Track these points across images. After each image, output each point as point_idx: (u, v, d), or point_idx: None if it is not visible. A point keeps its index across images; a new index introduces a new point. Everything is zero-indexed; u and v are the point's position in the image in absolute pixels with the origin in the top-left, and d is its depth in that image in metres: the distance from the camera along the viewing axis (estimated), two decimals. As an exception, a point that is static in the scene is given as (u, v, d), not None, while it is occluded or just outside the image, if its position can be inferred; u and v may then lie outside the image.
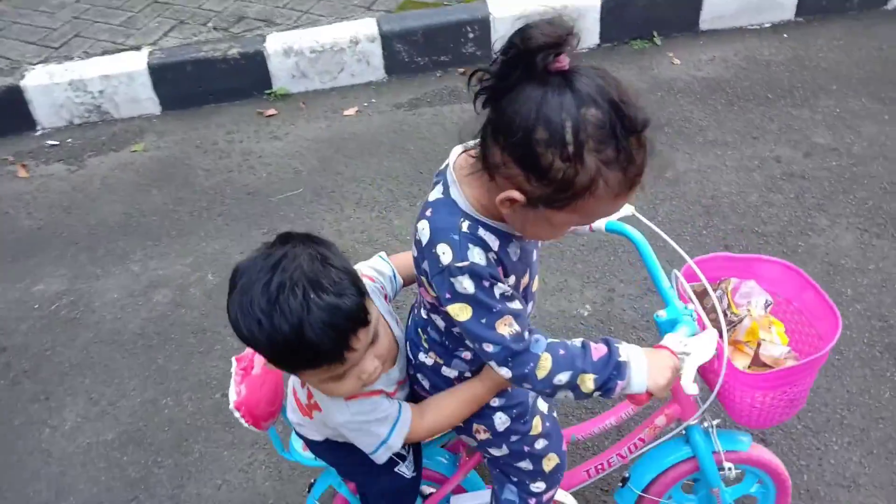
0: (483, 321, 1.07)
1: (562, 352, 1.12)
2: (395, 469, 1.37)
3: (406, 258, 1.41)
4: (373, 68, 3.75)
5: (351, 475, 1.45)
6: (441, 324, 1.25)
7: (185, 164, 3.33)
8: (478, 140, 1.15)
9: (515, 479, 1.42)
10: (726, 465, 1.57)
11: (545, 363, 1.10)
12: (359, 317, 1.07)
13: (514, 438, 1.37)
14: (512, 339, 1.08)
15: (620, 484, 1.67)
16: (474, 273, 1.05)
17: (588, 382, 1.12)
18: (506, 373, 1.11)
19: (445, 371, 1.31)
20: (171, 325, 2.51)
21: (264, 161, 3.33)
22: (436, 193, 1.12)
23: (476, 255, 1.05)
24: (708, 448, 1.57)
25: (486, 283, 1.06)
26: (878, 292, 2.45)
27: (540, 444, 1.39)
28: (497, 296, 1.07)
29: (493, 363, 1.11)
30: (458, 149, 1.16)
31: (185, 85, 3.61)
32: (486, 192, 1.07)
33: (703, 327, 1.41)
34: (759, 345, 1.51)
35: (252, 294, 1.02)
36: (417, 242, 1.12)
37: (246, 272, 1.06)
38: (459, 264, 1.04)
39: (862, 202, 2.80)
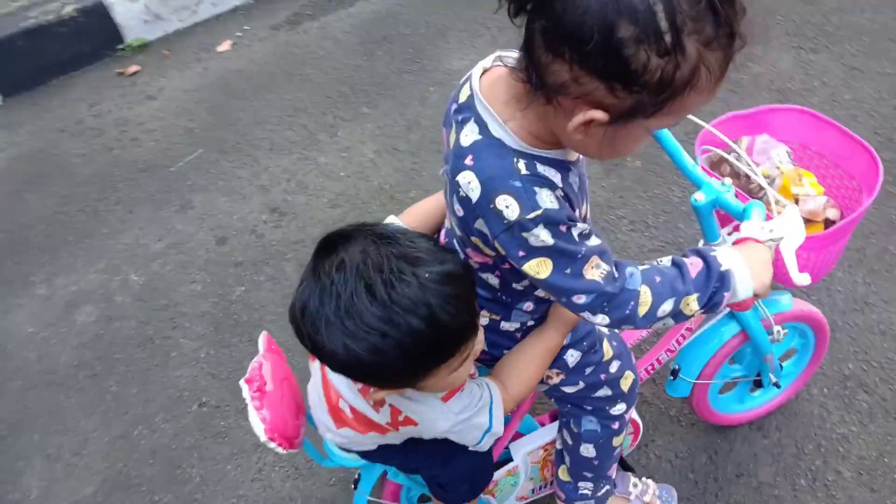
0: (568, 271, 0.91)
1: (658, 279, 0.96)
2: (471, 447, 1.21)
3: (413, 213, 1.26)
4: (235, -9, 3.28)
5: (419, 470, 1.27)
6: (494, 281, 1.10)
7: (54, 156, 2.83)
8: (505, 56, 0.94)
9: (591, 408, 1.32)
10: (775, 328, 1.52)
11: (645, 297, 0.95)
12: (470, 277, 0.93)
13: (588, 371, 1.26)
14: (605, 282, 0.93)
15: (671, 377, 1.57)
16: (549, 220, 0.87)
17: (692, 304, 0.97)
18: (602, 319, 0.96)
19: (505, 326, 1.18)
20: (111, 344, 2.17)
21: (146, 128, 2.88)
22: (470, 134, 0.91)
23: (546, 199, 0.87)
24: (755, 317, 1.50)
25: (564, 228, 0.89)
26: (831, 107, 2.41)
27: (614, 366, 1.28)
28: (577, 238, 0.91)
29: (586, 314, 0.95)
30: (477, 70, 0.95)
31: (22, 63, 3.03)
32: (539, 120, 0.88)
33: (745, 201, 1.28)
34: (796, 201, 1.39)
35: (357, 311, 0.84)
36: (463, 200, 0.92)
37: (326, 299, 0.85)
38: (531, 215, 0.86)
39: (787, 20, 2.71)
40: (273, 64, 3.05)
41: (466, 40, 2.96)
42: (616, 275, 0.94)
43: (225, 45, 3.17)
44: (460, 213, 0.95)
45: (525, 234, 0.88)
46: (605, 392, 1.29)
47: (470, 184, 0.89)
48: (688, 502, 1.65)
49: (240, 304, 2.22)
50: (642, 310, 0.95)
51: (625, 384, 1.30)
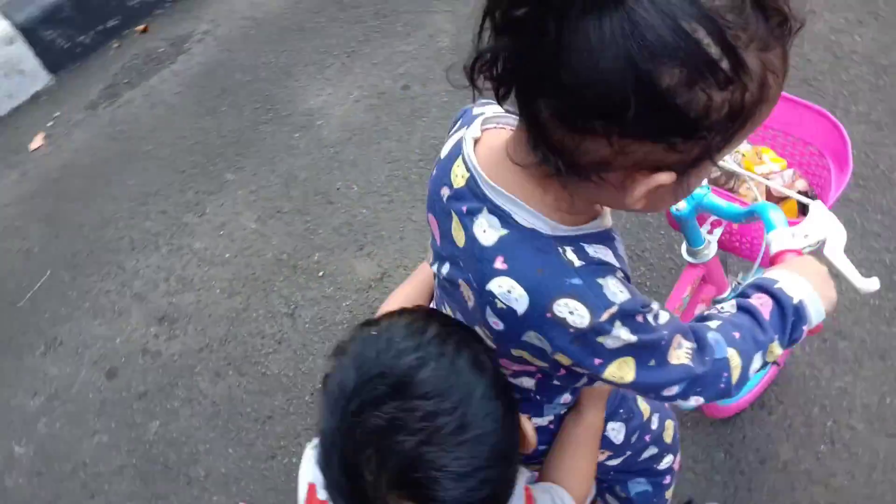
0: (652, 363, 0.76)
1: (736, 335, 0.82)
2: None
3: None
4: (31, 76, 2.82)
5: None
6: (530, 383, 0.93)
7: None
8: (493, 117, 0.81)
9: (638, 470, 1.19)
10: None
11: (735, 362, 0.81)
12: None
13: (633, 439, 1.13)
14: (694, 363, 0.78)
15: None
16: (626, 315, 0.72)
17: (776, 350, 0.84)
18: (696, 402, 0.81)
19: (536, 422, 1.01)
20: (15, 542, 1.77)
21: (-30, 261, 2.40)
22: (490, 229, 0.74)
23: (615, 290, 0.72)
24: (746, 305, 1.44)
25: (641, 318, 0.73)
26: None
27: (654, 422, 1.15)
28: (653, 323, 0.75)
29: (678, 402, 0.81)
30: (468, 143, 0.78)
31: None
32: (575, 196, 0.72)
33: (743, 203, 1.18)
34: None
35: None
36: (504, 312, 0.74)
37: None
38: (605, 316, 0.70)
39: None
40: (103, 149, 2.64)
41: (316, 74, 2.71)
42: (698, 348, 0.79)
43: (37, 141, 2.71)
44: (499, 326, 0.77)
45: (601, 339, 0.72)
46: (651, 451, 1.16)
47: (511, 293, 0.72)
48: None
49: (161, 442, 1.88)
50: (735, 376, 0.81)
51: (667, 436, 1.18)
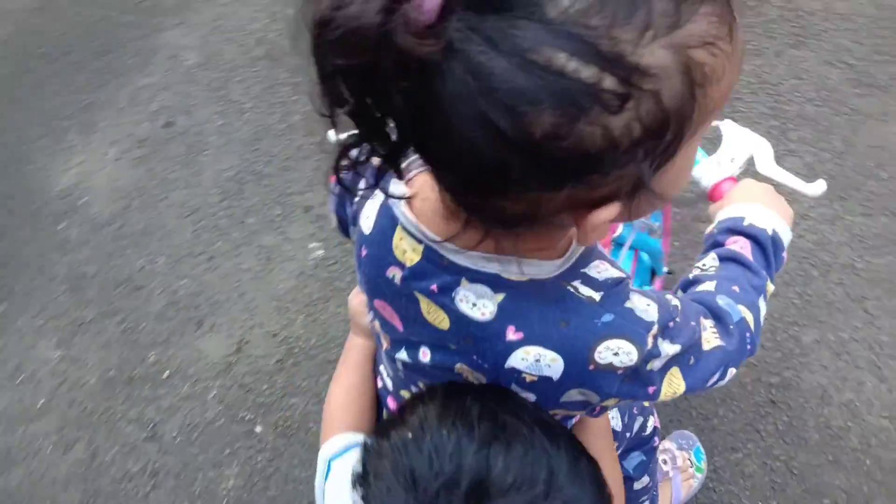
0: (692, 362, 0.72)
1: (736, 288, 0.79)
2: None
3: (348, 419, 0.94)
4: None
5: None
6: None
7: None
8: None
9: (630, 447, 1.18)
10: (654, 226, 1.43)
11: (748, 317, 0.78)
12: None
13: (626, 418, 1.12)
14: (724, 340, 0.75)
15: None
16: (665, 330, 0.67)
17: (769, 288, 0.83)
18: (730, 375, 0.78)
19: None
20: None
21: None
22: (481, 301, 0.64)
23: (643, 306, 0.65)
24: (636, 232, 1.38)
25: (672, 324, 0.68)
26: None
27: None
28: (680, 320, 0.70)
29: (718, 384, 0.78)
30: (402, 209, 0.66)
31: None
32: (539, 240, 0.63)
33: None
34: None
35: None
36: (536, 385, 0.66)
37: None
38: (650, 341, 0.64)
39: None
40: None
41: (53, 146, 2.24)
42: (717, 321, 0.76)
43: None
44: (531, 398, 0.69)
45: (650, 366, 0.66)
46: (639, 422, 1.16)
47: (540, 361, 0.64)
48: (681, 423, 1.53)
49: None
50: (754, 328, 0.78)
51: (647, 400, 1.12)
